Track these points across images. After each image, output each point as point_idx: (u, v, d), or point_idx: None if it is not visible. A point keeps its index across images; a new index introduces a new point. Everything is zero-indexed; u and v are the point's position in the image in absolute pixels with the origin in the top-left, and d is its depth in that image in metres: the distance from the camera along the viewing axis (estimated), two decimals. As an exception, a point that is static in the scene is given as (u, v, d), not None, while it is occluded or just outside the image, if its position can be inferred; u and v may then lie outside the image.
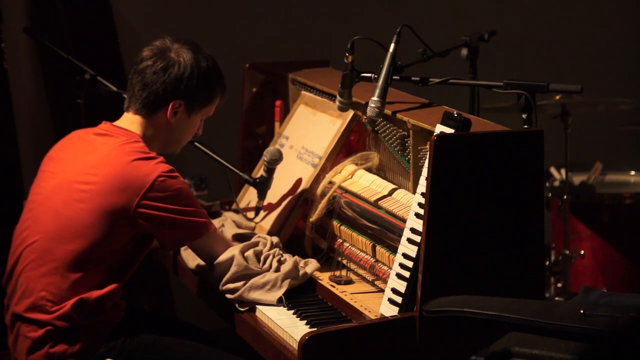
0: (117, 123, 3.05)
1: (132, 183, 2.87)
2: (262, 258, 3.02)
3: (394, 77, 2.96)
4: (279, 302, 2.90)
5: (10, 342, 3.00)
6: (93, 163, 2.93)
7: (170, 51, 3.01)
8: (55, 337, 2.90)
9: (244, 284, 2.93)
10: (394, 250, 2.83)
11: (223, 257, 2.98)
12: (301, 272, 2.98)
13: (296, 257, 3.06)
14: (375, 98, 2.91)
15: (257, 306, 2.90)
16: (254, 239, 3.12)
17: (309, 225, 3.20)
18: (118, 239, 2.91)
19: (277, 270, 2.98)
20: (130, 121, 3.04)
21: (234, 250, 3.00)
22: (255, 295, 2.92)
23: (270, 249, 3.06)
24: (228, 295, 2.94)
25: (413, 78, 3.03)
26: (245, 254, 3.00)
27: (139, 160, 2.90)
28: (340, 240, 3.13)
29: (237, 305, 2.94)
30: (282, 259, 3.03)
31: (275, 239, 3.12)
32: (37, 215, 2.98)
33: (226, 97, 3.14)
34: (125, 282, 3.02)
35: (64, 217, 2.91)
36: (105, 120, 3.07)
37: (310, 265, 3.04)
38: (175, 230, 2.92)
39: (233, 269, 2.95)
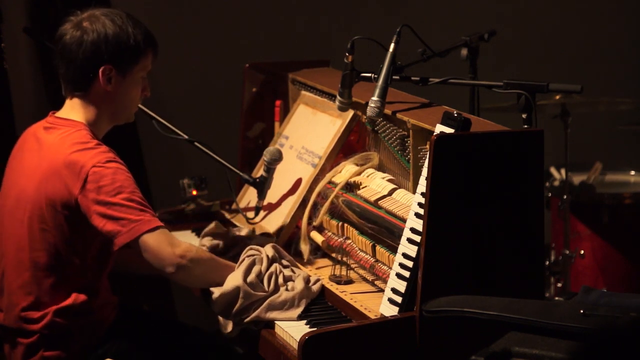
0: (61, 113, 2.98)
1: (69, 178, 2.80)
2: (264, 280, 2.89)
3: (394, 77, 2.96)
4: (298, 318, 2.83)
5: (6, 349, 2.99)
6: (37, 162, 2.90)
7: (83, 20, 2.91)
8: (49, 342, 2.89)
9: (255, 309, 2.82)
10: (394, 250, 2.83)
11: (227, 288, 2.82)
12: (311, 290, 2.90)
13: (302, 273, 2.96)
14: (375, 98, 2.91)
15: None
16: (247, 255, 2.96)
17: (310, 226, 3.20)
18: (78, 237, 2.86)
19: (286, 288, 2.88)
20: (71, 107, 2.96)
21: (237, 279, 2.83)
22: (273, 315, 2.81)
23: (269, 265, 2.93)
24: (244, 320, 2.84)
25: (413, 78, 3.03)
26: (249, 280, 2.85)
27: (76, 153, 2.82)
28: (340, 240, 3.12)
29: (253, 325, 2.84)
30: (286, 275, 2.92)
31: (270, 252, 2.98)
32: (6, 229, 2.96)
33: (158, 50, 3.01)
34: (109, 279, 3.01)
35: (27, 225, 2.89)
36: (53, 110, 3.01)
37: (317, 284, 2.93)
38: (108, 223, 2.77)
39: (241, 301, 2.82)
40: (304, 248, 3.19)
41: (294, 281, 2.91)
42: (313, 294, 2.90)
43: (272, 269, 2.91)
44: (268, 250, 2.99)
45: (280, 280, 2.89)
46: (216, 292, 2.83)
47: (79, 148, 2.84)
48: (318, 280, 2.95)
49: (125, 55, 2.92)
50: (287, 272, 2.94)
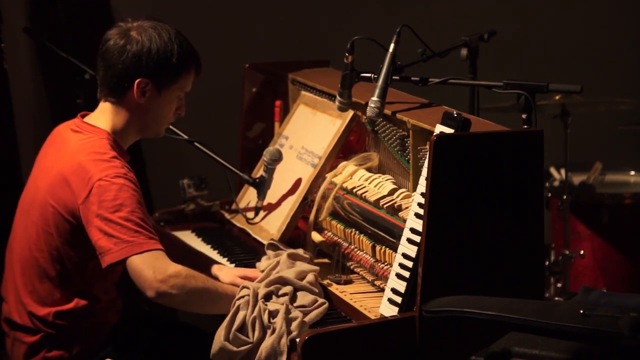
0: (90, 117, 2.96)
1: (76, 186, 2.79)
2: (249, 328, 2.70)
3: (393, 77, 2.96)
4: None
5: (8, 345, 3.00)
6: (53, 164, 2.89)
7: (131, 30, 2.89)
8: (51, 342, 2.90)
9: None
10: (394, 250, 2.83)
11: (214, 350, 2.70)
12: (296, 322, 2.69)
13: (286, 304, 2.73)
14: (375, 98, 2.91)
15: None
16: (237, 298, 2.77)
17: (311, 226, 3.20)
18: (79, 247, 2.85)
19: (272, 330, 2.69)
20: (101, 112, 2.94)
21: (220, 339, 2.69)
22: None
23: (254, 306, 2.73)
24: None
25: (413, 78, 3.03)
26: (231, 337, 2.68)
27: (89, 162, 2.80)
28: (340, 240, 3.12)
29: None
30: (271, 310, 2.71)
31: (262, 290, 2.78)
32: (21, 223, 2.98)
33: (201, 71, 2.99)
34: (111, 288, 3.01)
35: (35, 224, 2.89)
36: (83, 112, 3.01)
37: (311, 315, 2.74)
38: (102, 239, 2.73)
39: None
40: (310, 248, 3.20)
41: (289, 311, 2.74)
42: (299, 325, 2.69)
43: (255, 312, 2.72)
44: (261, 287, 2.80)
45: (265, 319, 2.70)
46: (211, 353, 2.73)
47: (93, 157, 2.81)
48: (323, 304, 2.78)
49: (165, 72, 2.89)
50: (273, 306, 2.74)
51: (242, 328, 2.71)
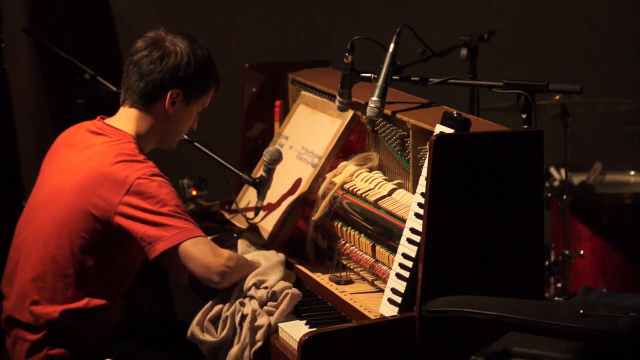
0: (112, 120, 3.01)
1: (111, 185, 2.83)
2: (219, 326, 2.84)
3: (393, 77, 2.96)
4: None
5: (8, 344, 3.00)
6: (78, 164, 2.91)
7: (165, 41, 2.97)
8: (54, 340, 2.90)
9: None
10: (394, 250, 2.83)
11: (189, 331, 2.86)
12: (261, 331, 2.79)
13: (253, 308, 2.83)
14: (374, 98, 2.91)
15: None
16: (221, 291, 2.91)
17: (311, 225, 3.20)
18: (104, 250, 2.88)
19: (240, 330, 2.81)
20: (126, 116, 2.99)
21: (193, 322, 2.87)
22: None
23: (235, 299, 2.87)
24: None
25: (413, 78, 3.02)
26: (205, 324, 2.85)
27: (122, 163, 2.85)
28: (340, 240, 3.12)
29: None
30: (244, 313, 2.82)
31: (249, 280, 2.89)
32: (33, 220, 2.97)
33: (220, 90, 3.09)
34: (123, 291, 3.02)
35: (56, 222, 2.90)
36: (102, 115, 3.04)
37: (276, 315, 2.82)
38: (150, 229, 2.80)
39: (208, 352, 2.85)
40: (310, 249, 3.21)
41: (255, 318, 2.83)
42: (263, 332, 2.79)
43: (230, 310, 2.84)
44: (250, 276, 2.91)
45: (237, 321, 2.82)
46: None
47: (125, 159, 2.86)
48: (286, 296, 2.84)
49: (197, 85, 3.00)
50: (247, 309, 2.83)
51: (216, 319, 2.84)
